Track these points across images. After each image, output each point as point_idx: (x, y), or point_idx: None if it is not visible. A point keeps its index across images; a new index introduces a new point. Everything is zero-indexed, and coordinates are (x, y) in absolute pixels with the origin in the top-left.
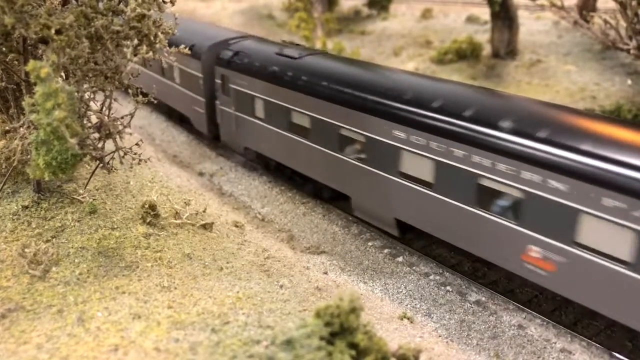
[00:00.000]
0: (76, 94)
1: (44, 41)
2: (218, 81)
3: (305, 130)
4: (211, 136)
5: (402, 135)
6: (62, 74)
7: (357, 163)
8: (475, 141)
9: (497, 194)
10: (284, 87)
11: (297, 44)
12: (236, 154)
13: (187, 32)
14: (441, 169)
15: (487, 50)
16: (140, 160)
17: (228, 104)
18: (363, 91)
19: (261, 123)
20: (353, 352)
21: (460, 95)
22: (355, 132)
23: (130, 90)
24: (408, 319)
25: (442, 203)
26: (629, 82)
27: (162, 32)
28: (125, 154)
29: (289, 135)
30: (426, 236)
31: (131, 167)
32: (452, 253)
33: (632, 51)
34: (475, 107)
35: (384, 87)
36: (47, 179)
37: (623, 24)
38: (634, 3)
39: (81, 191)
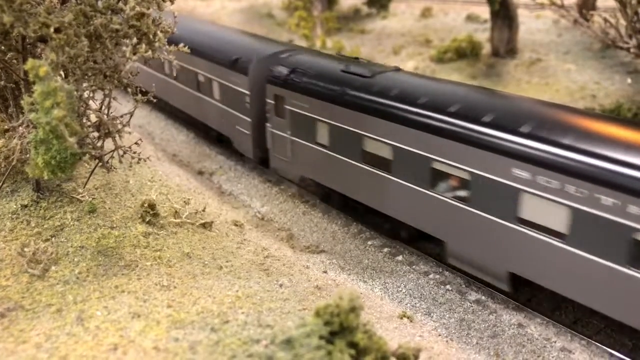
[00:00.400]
0: (75, 92)
1: (43, 40)
2: (270, 101)
3: (384, 161)
4: (257, 161)
5: (524, 174)
6: (61, 72)
7: (456, 203)
8: (634, 189)
9: None
10: (355, 111)
11: (357, 58)
12: (289, 181)
13: (227, 43)
14: (580, 218)
15: (486, 49)
16: (139, 159)
17: (282, 127)
18: (466, 119)
19: (325, 150)
20: (353, 351)
21: (605, 127)
22: (455, 167)
23: (129, 89)
24: (408, 317)
25: (579, 259)
26: (629, 80)
27: (161, 31)
28: (124, 152)
29: (361, 165)
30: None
31: (130, 166)
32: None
33: (632, 50)
34: (630, 144)
35: (495, 114)
36: (46, 178)
37: (623, 22)
38: (633, 2)
39: (80, 190)
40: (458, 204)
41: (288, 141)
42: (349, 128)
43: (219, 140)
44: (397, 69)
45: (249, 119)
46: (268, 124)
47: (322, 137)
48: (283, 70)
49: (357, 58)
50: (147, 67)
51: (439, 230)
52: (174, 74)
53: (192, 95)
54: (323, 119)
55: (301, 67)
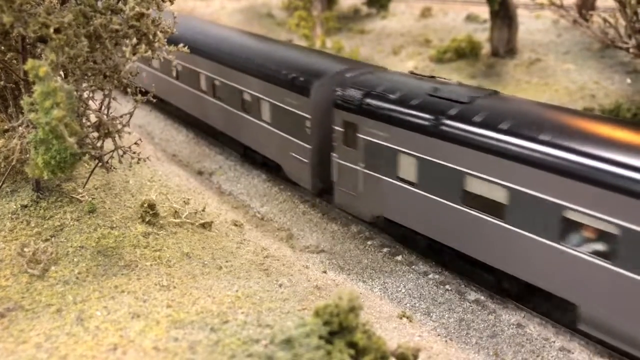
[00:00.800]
0: (75, 93)
1: (43, 40)
2: (338, 128)
3: (494, 204)
4: (314, 192)
5: None
6: (61, 72)
7: (595, 261)
8: None
9: None
10: (453, 144)
11: (433, 76)
12: (354, 216)
13: (281, 59)
14: None
15: (486, 49)
16: (139, 159)
17: (353, 158)
18: (612, 163)
19: (409, 188)
20: (352, 351)
21: None
22: (596, 217)
23: (129, 89)
24: (407, 317)
25: None
26: (629, 80)
27: (161, 31)
28: (124, 153)
29: (461, 208)
30: None
31: (130, 166)
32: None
33: (631, 50)
34: None
35: None
36: (46, 178)
37: (622, 22)
38: (633, 2)
39: (80, 190)
40: (598, 262)
41: (359, 174)
42: (445, 164)
43: (264, 165)
44: (495, 93)
45: (308, 146)
46: (334, 154)
47: (406, 172)
48: (355, 94)
49: (433, 76)
50: (180, 81)
51: (568, 291)
52: (214, 92)
53: (234, 115)
54: (409, 152)
55: (377, 89)
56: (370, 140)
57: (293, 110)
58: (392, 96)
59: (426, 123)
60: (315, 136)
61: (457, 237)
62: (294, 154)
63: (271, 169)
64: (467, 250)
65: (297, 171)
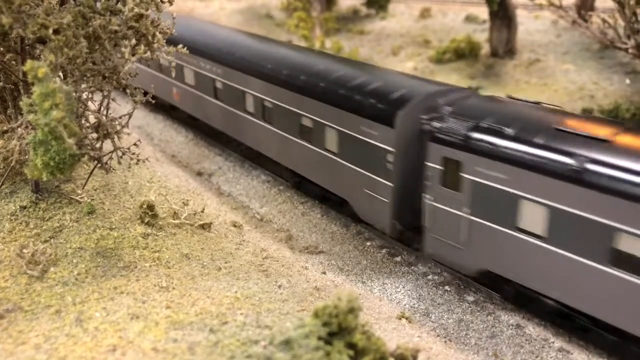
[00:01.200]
0: (74, 94)
1: (42, 41)
2: (435, 166)
3: None
4: (394, 236)
5: None
6: (60, 73)
7: None
8: None
9: None
10: (602, 193)
11: (539, 102)
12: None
13: (353, 79)
14: None
15: (485, 49)
16: (138, 160)
17: (454, 202)
18: None
19: (536, 242)
20: (351, 352)
21: None
22: None
23: (128, 90)
24: (406, 318)
25: None
26: (628, 81)
27: (160, 32)
28: (123, 154)
29: (610, 270)
30: None
31: (129, 167)
32: None
33: (630, 50)
34: None
35: None
36: (45, 179)
37: (621, 23)
38: (632, 2)
39: (79, 191)
40: None
41: (463, 221)
42: (588, 216)
43: (324, 199)
44: (628, 127)
45: (389, 184)
46: (427, 196)
47: (530, 222)
48: (459, 126)
49: (538, 102)
50: (219, 100)
51: None
52: (264, 114)
53: (289, 141)
54: (536, 199)
55: (487, 120)
56: (480, 182)
57: (370, 141)
58: (509, 130)
59: (562, 166)
60: (398, 172)
61: (600, 304)
62: (368, 191)
63: (331, 203)
64: (625, 325)
65: (372, 211)
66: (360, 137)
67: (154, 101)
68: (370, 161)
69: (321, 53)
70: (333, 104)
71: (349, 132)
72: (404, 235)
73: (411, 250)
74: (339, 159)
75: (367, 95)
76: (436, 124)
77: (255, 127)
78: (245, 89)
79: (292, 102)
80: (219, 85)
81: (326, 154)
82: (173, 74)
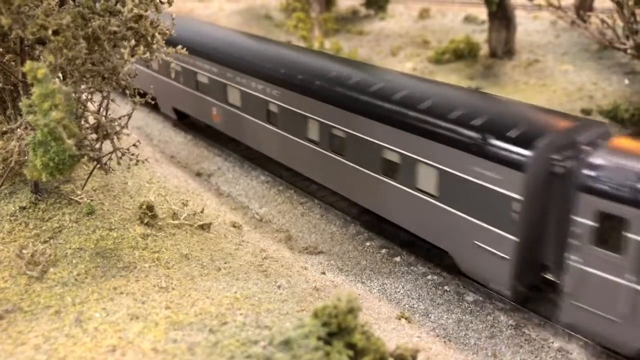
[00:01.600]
0: (73, 94)
1: (41, 42)
2: (586, 221)
3: None
4: (514, 299)
5: None
6: (60, 74)
7: None
8: None
9: None
10: None
11: None
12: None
13: (453, 107)
14: None
15: (484, 50)
16: (137, 160)
17: (614, 266)
18: None
19: None
20: (351, 352)
21: None
22: None
23: (127, 91)
24: (406, 318)
25: None
26: (626, 81)
27: (159, 33)
28: (122, 154)
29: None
30: None
31: (129, 168)
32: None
33: (629, 51)
34: None
35: None
36: (44, 179)
37: (620, 23)
38: (630, 3)
39: (79, 192)
40: None
41: (625, 291)
42: None
43: (410, 246)
44: None
45: (512, 237)
46: (573, 257)
47: None
48: (622, 175)
49: None
50: (273, 124)
51: None
52: (331, 144)
53: (366, 176)
54: None
55: None
56: None
57: (488, 185)
58: None
59: None
60: (525, 224)
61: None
62: (482, 244)
63: (412, 249)
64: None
65: (486, 268)
66: (474, 179)
67: (153, 102)
68: (486, 209)
69: (403, 74)
70: (431, 137)
71: (455, 173)
72: (527, 299)
73: (543, 319)
74: (438, 203)
75: (480, 130)
76: (590, 173)
77: (319, 158)
78: (308, 114)
79: (370, 131)
80: (274, 109)
81: (419, 195)
82: (212, 95)
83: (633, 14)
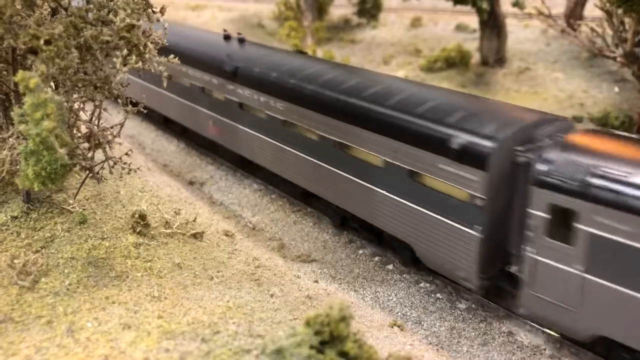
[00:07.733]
0: (65, 104)
1: (33, 51)
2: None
3: None
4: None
5: None
6: (52, 84)
7: None
8: None
9: None
10: None
11: None
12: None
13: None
14: None
15: (476, 58)
16: (130, 169)
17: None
18: None
19: None
20: None
21: None
22: None
23: (119, 100)
24: (398, 326)
25: None
26: (616, 89)
27: (151, 42)
28: (115, 163)
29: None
30: None
31: (121, 177)
32: None
33: (618, 59)
34: None
35: None
36: (36, 189)
37: (609, 32)
38: (619, 12)
39: (71, 201)
40: None
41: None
42: None
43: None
44: None
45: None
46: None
47: None
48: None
49: None
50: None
51: None
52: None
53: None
54: None
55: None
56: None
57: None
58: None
59: None
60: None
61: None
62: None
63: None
64: None
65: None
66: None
67: (145, 111)
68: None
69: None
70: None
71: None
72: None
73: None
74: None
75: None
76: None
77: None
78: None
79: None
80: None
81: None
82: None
83: (622, 23)
